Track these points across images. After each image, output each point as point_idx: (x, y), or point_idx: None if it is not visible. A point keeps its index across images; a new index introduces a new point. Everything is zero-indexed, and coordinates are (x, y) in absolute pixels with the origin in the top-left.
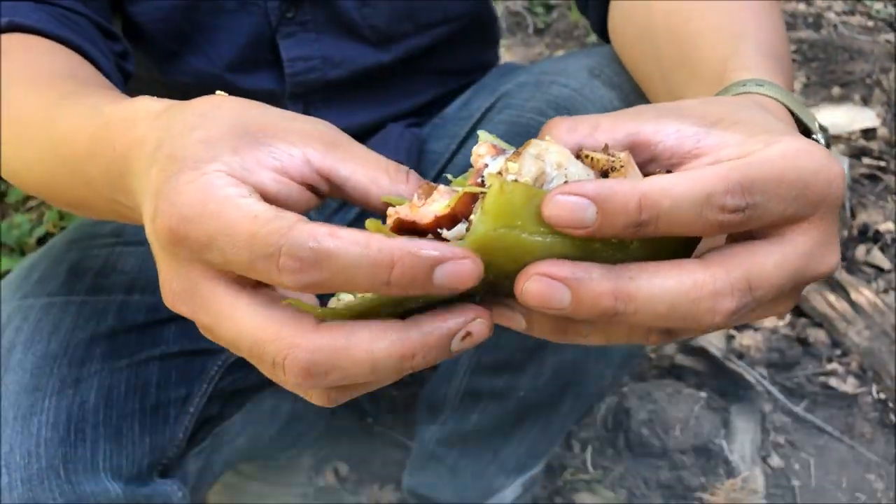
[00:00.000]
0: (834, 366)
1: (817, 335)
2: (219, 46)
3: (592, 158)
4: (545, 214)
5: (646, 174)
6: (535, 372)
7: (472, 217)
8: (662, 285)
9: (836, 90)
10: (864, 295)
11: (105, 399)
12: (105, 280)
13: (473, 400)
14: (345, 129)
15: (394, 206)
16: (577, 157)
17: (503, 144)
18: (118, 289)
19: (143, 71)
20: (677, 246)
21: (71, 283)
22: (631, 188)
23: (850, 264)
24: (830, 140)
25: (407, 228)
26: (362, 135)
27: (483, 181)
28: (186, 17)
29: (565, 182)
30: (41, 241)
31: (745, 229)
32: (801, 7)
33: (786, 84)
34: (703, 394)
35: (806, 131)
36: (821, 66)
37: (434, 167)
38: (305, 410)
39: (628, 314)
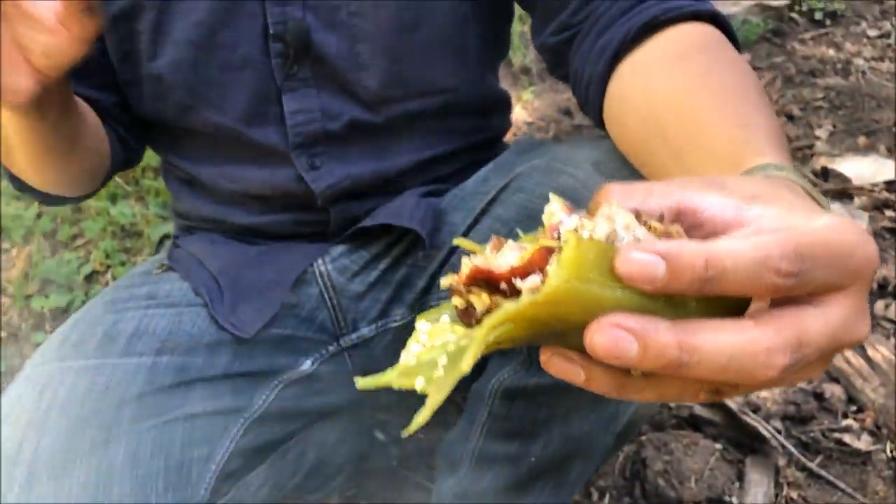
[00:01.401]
0: (849, 422)
1: (833, 390)
2: (230, 101)
3: (650, 226)
4: (619, 269)
5: (692, 239)
6: (545, 440)
7: (547, 269)
8: (723, 339)
9: (861, 139)
10: (881, 352)
11: (132, 459)
12: (137, 343)
13: (487, 462)
14: (347, 181)
15: (468, 255)
16: (637, 220)
17: (572, 205)
18: (149, 351)
19: (168, 120)
20: (731, 307)
21: (105, 346)
22: (698, 248)
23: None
24: None
25: (482, 278)
26: (371, 189)
27: (559, 236)
28: (197, 72)
29: (637, 242)
30: (88, 278)
31: (794, 294)
32: (831, 52)
33: (792, 165)
34: (718, 445)
35: None
36: (847, 113)
37: (451, 238)
38: (333, 455)
39: (691, 365)
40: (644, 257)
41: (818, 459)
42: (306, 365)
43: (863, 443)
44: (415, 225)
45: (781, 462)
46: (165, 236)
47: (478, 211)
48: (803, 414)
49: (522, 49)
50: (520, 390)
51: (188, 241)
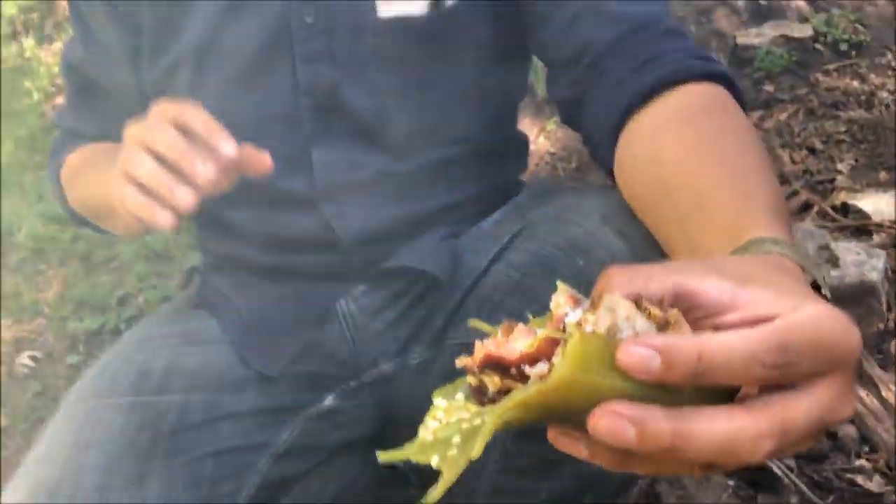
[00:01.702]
0: (862, 462)
1: (847, 430)
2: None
3: (650, 312)
4: (619, 361)
5: (689, 319)
6: (557, 477)
7: (553, 359)
8: (714, 428)
9: (882, 174)
10: (895, 392)
11: (165, 495)
12: (169, 380)
13: (500, 495)
14: (371, 227)
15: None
16: (636, 306)
17: (578, 295)
18: (180, 389)
19: None
20: (722, 392)
21: (139, 383)
22: (692, 344)
23: (884, 359)
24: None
25: (493, 362)
26: (393, 233)
27: (564, 327)
28: (230, 125)
29: (636, 334)
30: (121, 300)
31: (780, 382)
32: (855, 84)
33: (791, 237)
34: (731, 482)
35: (815, 283)
36: (870, 147)
37: (468, 280)
38: (353, 486)
39: (684, 450)
40: (642, 351)
41: (830, 499)
42: (328, 400)
43: (875, 484)
44: (433, 268)
45: (793, 501)
46: (194, 268)
47: (493, 254)
48: (816, 453)
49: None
50: (532, 430)
51: (216, 278)
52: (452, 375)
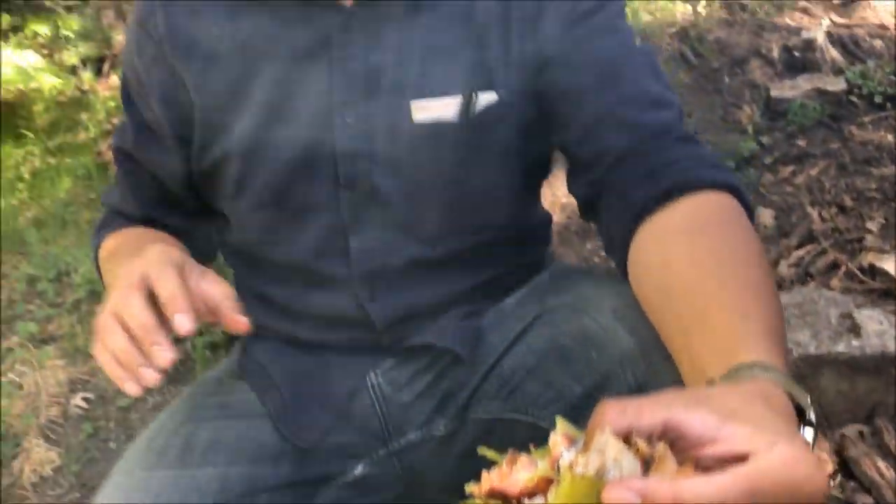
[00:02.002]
0: None
1: (865, 501)
2: (302, 238)
3: (638, 448)
4: (604, 500)
5: (676, 450)
6: None
7: (549, 496)
8: None
9: None
10: None
11: None
12: (211, 453)
13: None
14: (403, 308)
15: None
16: (626, 440)
17: (574, 431)
18: (222, 462)
19: (245, 247)
20: None
21: (184, 455)
22: (669, 488)
23: None
24: (815, 415)
25: (497, 493)
26: (422, 313)
27: (559, 467)
28: (274, 214)
29: (622, 474)
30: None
31: None
32: (889, 138)
33: (782, 358)
34: None
35: (800, 407)
36: None
37: (489, 358)
38: None
39: None
40: (625, 494)
41: None
42: (359, 469)
43: None
44: (456, 347)
45: None
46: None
47: (513, 336)
48: None
49: None
50: None
51: (256, 349)
52: (473, 446)
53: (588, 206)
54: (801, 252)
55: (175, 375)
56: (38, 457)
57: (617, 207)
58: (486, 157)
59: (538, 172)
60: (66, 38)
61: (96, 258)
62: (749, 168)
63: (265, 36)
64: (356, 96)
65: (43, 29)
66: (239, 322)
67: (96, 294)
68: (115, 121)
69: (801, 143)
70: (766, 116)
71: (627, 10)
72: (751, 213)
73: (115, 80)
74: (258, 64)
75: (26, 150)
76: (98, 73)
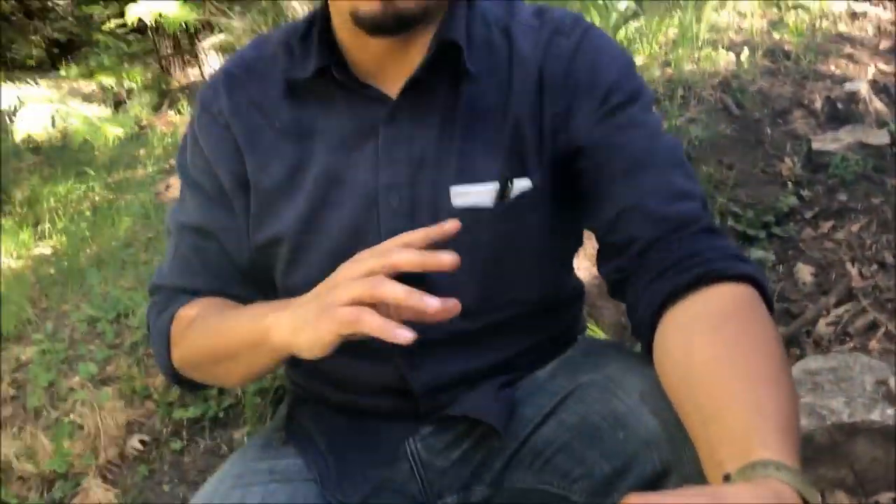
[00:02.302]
0: None
1: None
2: None
3: None
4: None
5: None
6: None
7: None
8: None
9: None
10: None
11: None
12: None
13: None
14: (441, 378)
15: None
16: None
17: None
18: None
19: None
20: None
21: None
22: None
23: None
24: None
25: None
26: (459, 382)
27: None
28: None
29: None
30: (221, 391)
31: None
32: None
33: (795, 453)
34: None
35: None
36: None
37: (523, 431)
38: None
39: None
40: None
41: None
42: None
43: None
44: (492, 419)
45: None
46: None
47: (546, 410)
48: None
49: None
50: None
51: (301, 413)
52: None
53: (616, 288)
54: (839, 311)
55: (224, 419)
56: (97, 497)
57: (643, 295)
58: (521, 238)
59: (571, 245)
60: (130, 91)
61: (164, 338)
62: (789, 222)
63: (318, 125)
64: (401, 181)
65: (109, 81)
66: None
67: None
68: (173, 161)
69: (843, 197)
70: (807, 169)
71: (671, 57)
72: (770, 305)
73: (171, 116)
74: (310, 151)
75: (87, 187)
76: (155, 109)
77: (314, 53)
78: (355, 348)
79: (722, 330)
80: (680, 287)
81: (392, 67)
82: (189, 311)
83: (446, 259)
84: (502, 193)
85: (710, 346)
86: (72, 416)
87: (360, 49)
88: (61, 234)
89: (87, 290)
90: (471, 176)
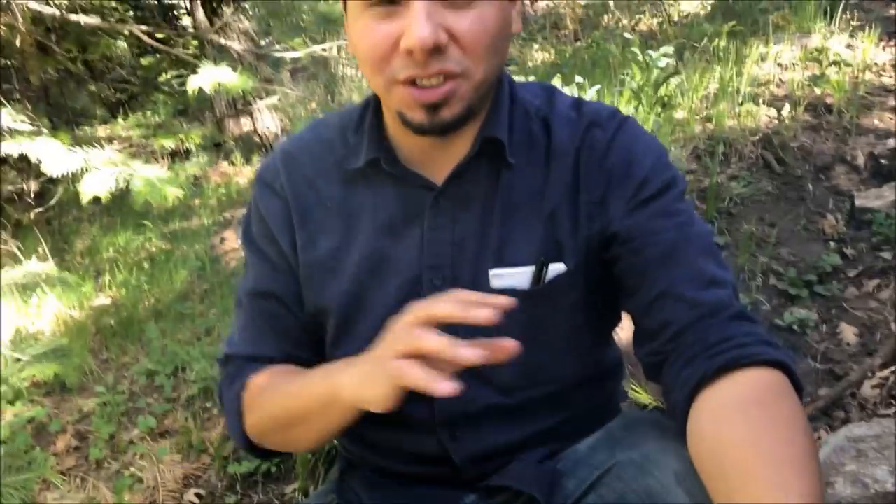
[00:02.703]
0: None
1: None
2: None
3: None
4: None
5: None
6: None
7: None
8: None
9: None
10: None
11: None
12: None
13: None
14: (481, 450)
15: None
16: None
17: None
18: None
19: None
20: None
21: None
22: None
23: None
24: None
25: None
26: (500, 453)
27: None
28: None
29: None
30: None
31: None
32: None
33: None
34: None
35: None
36: None
37: (565, 500)
38: None
39: None
40: None
41: None
42: None
43: None
44: (535, 490)
45: None
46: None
47: (587, 484)
48: None
49: None
50: None
51: (351, 477)
52: None
53: (652, 371)
54: (885, 372)
55: (277, 475)
56: None
57: (677, 379)
58: (556, 318)
59: (610, 321)
60: (188, 151)
61: (237, 407)
62: (832, 281)
63: (366, 208)
64: (443, 262)
65: (169, 143)
66: (504, 347)
67: (208, 391)
68: (227, 213)
69: (887, 255)
70: (850, 226)
71: (713, 112)
72: (800, 389)
73: (225, 167)
74: (357, 230)
75: (145, 238)
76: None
77: (366, 145)
78: (398, 419)
79: (751, 413)
80: (712, 371)
81: (438, 157)
82: (260, 379)
83: (483, 313)
84: (538, 276)
85: (739, 428)
86: (132, 468)
87: (408, 141)
88: (120, 285)
89: (145, 343)
90: (508, 259)
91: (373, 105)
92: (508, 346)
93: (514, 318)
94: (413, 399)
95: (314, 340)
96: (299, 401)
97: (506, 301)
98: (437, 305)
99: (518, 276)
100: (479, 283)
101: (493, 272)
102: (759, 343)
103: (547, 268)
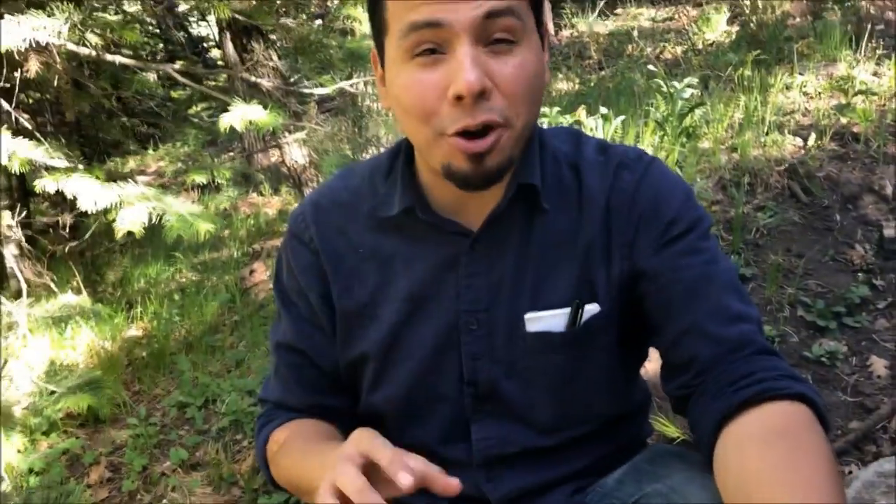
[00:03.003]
0: None
1: None
2: (429, 425)
3: None
4: None
5: None
6: None
7: None
8: None
9: None
10: None
11: None
12: None
13: None
14: (516, 490)
15: None
16: None
17: None
18: None
19: (378, 431)
20: None
21: None
22: None
23: None
24: None
25: None
26: (534, 493)
27: None
28: (406, 405)
29: None
30: None
31: None
32: None
33: None
34: None
35: None
36: None
37: None
38: None
39: None
40: None
41: None
42: None
43: None
44: None
45: None
46: None
47: None
48: None
49: None
50: None
51: None
52: None
53: (679, 405)
54: None
55: None
56: None
57: (704, 413)
58: (591, 359)
59: (637, 357)
60: (219, 186)
61: (263, 454)
62: (861, 312)
63: (402, 254)
64: (480, 306)
65: (201, 178)
66: (451, 484)
67: (239, 424)
68: (256, 245)
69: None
70: (879, 256)
71: (738, 142)
72: (825, 423)
73: (254, 198)
74: (394, 278)
75: (175, 269)
76: (243, 193)
77: (399, 193)
78: (433, 460)
79: (775, 444)
80: (737, 404)
81: (471, 204)
82: (280, 436)
83: (405, 480)
84: (574, 319)
85: (764, 459)
86: (164, 501)
87: (443, 190)
88: (152, 317)
89: (177, 375)
90: (544, 302)
91: (404, 153)
92: (453, 484)
93: (550, 361)
94: (451, 440)
95: (343, 388)
96: (301, 478)
97: (453, 487)
98: (381, 452)
99: (554, 319)
100: (515, 326)
101: (528, 316)
102: (783, 377)
103: (583, 310)
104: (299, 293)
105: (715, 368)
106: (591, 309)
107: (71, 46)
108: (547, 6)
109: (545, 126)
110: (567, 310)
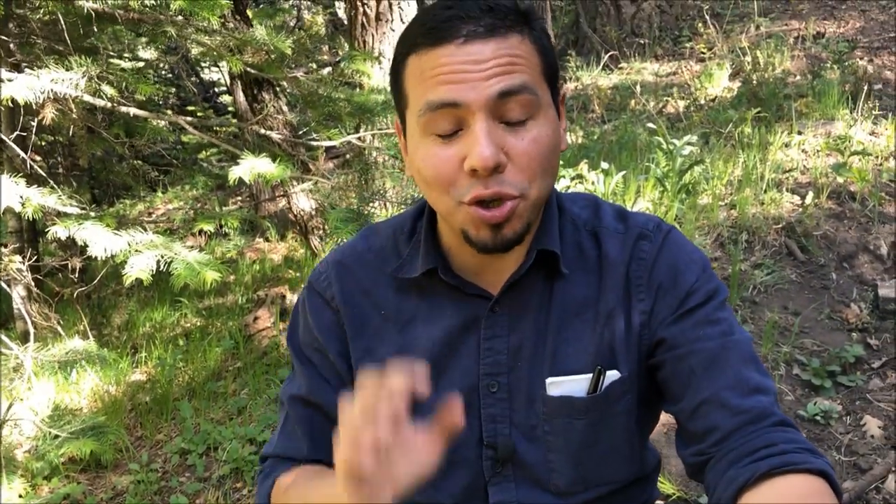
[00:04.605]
0: None
1: None
2: (448, 486)
3: None
4: None
5: None
6: None
7: None
8: None
9: None
10: None
11: None
12: None
13: None
14: None
15: None
16: None
17: None
18: None
19: None
20: None
21: None
22: None
23: None
24: None
25: None
26: None
27: None
28: None
29: None
30: None
31: None
32: None
33: None
34: None
35: None
36: None
37: None
38: None
39: None
40: None
41: None
42: None
43: None
44: None
45: None
46: None
47: None
48: None
49: None
50: None
51: None
52: None
53: (695, 470)
54: None
55: None
56: None
57: (721, 480)
58: (611, 424)
59: (651, 421)
60: (227, 234)
61: (268, 500)
62: (856, 371)
63: (421, 317)
64: (500, 369)
65: (209, 227)
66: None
67: (240, 472)
68: (261, 292)
69: None
70: (874, 316)
71: (737, 199)
72: (839, 495)
73: (260, 243)
74: (414, 338)
75: (180, 314)
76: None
77: (421, 255)
78: None
79: None
80: (756, 476)
81: (492, 268)
82: (286, 479)
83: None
84: (595, 385)
85: None
86: None
87: (464, 254)
88: (156, 362)
89: (179, 421)
90: (564, 367)
91: (427, 216)
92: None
93: (572, 425)
94: (466, 501)
95: None
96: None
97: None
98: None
99: (575, 384)
100: (535, 391)
101: (549, 380)
102: (801, 451)
103: (605, 376)
104: (317, 349)
105: (733, 439)
106: (613, 375)
107: (87, 98)
108: None
109: None
110: (588, 375)
